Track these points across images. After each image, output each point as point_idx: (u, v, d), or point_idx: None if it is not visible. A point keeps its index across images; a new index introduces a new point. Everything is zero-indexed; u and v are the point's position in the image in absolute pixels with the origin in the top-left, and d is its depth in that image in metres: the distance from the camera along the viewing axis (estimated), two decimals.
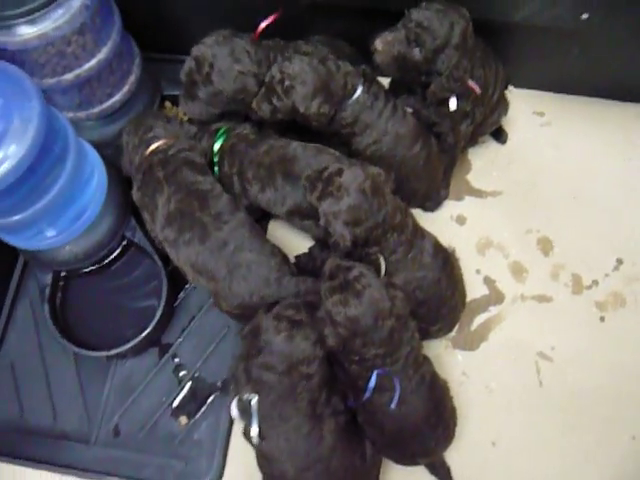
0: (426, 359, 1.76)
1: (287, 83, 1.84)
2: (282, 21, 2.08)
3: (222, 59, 1.92)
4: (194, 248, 1.78)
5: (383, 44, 1.82)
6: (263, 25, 2.05)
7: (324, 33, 2.17)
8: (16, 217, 1.72)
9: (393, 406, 1.64)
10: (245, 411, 1.60)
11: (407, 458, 1.85)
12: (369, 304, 1.56)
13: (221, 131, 2.08)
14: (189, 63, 1.96)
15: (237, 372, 1.63)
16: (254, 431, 1.58)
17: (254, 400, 1.57)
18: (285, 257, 1.88)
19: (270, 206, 1.97)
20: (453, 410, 1.85)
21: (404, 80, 1.95)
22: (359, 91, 1.91)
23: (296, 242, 2.19)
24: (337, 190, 1.66)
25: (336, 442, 1.66)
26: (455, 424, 1.84)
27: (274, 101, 1.88)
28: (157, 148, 1.92)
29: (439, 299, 1.89)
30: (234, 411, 1.62)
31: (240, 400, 1.61)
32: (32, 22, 1.69)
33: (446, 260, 1.90)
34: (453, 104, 1.92)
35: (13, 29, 1.70)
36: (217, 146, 2.04)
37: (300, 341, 1.56)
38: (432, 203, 2.24)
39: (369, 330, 1.57)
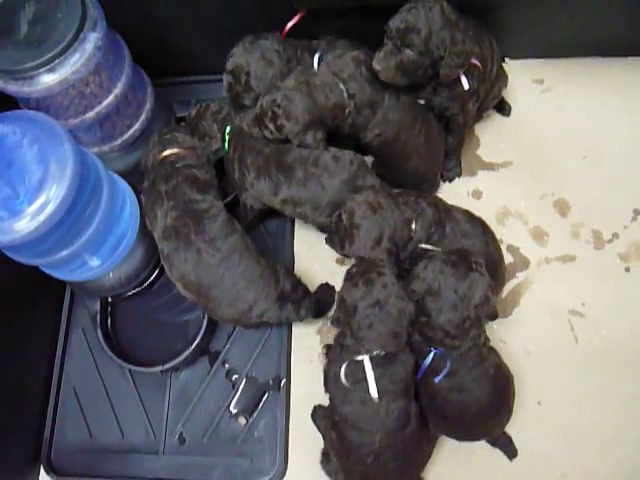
0: (492, 351, 1.85)
1: (279, 122, 1.91)
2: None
3: (255, 64, 2.01)
4: (187, 268, 1.92)
5: (379, 63, 1.89)
6: (290, 25, 2.15)
7: (328, 34, 2.24)
8: (63, 252, 1.83)
9: (436, 380, 1.74)
10: (356, 375, 1.72)
11: (470, 438, 1.95)
12: (476, 281, 1.69)
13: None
14: (226, 78, 2.05)
15: (346, 340, 1.73)
16: (373, 390, 1.69)
17: (366, 359, 1.69)
18: (275, 278, 1.98)
19: (264, 194, 2.06)
20: (514, 393, 1.91)
21: (418, 81, 2.00)
22: (347, 110, 1.97)
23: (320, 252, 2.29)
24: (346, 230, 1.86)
25: (416, 425, 1.78)
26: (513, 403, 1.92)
27: (266, 133, 1.96)
28: (168, 157, 2.04)
29: (492, 262, 1.96)
30: (344, 377, 1.73)
31: (350, 365, 1.72)
32: (52, 70, 1.80)
33: (483, 224, 2.00)
34: (465, 82, 1.99)
35: (35, 79, 1.81)
36: (228, 128, 2.14)
37: (380, 288, 1.68)
38: (428, 185, 2.28)
39: (453, 302, 1.68)
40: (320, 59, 2.09)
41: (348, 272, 1.76)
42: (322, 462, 1.94)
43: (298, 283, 2.07)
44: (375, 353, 1.69)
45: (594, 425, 2.00)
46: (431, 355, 1.74)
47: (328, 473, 1.91)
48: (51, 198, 1.62)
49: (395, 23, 1.86)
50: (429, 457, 1.92)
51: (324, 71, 1.98)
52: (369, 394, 1.70)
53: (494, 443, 1.97)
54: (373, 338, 1.68)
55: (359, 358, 1.70)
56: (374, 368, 1.69)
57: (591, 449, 1.97)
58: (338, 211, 1.90)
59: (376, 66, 1.90)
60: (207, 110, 2.17)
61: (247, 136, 2.06)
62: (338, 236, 1.89)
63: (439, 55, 1.87)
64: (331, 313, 2.21)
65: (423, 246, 1.88)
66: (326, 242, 1.98)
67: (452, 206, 1.98)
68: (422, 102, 2.11)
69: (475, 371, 1.76)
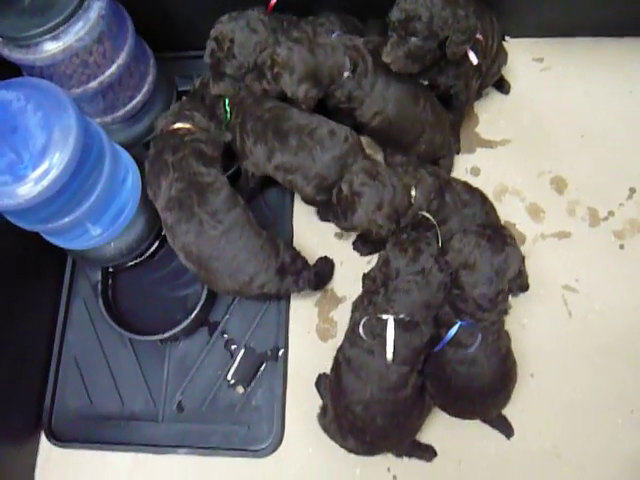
0: (506, 334, 1.90)
1: (276, 70, 1.95)
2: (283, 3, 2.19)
3: (240, 32, 2.03)
4: (189, 239, 1.95)
5: (388, 56, 1.91)
6: (273, 1, 2.16)
7: (327, 9, 2.25)
8: (65, 219, 1.86)
9: (469, 351, 1.78)
10: (373, 332, 1.76)
11: (464, 414, 1.99)
12: (511, 255, 1.74)
13: None
14: (210, 45, 2.07)
15: (378, 298, 1.78)
16: (389, 352, 1.73)
17: (391, 320, 1.73)
18: (275, 251, 2.01)
19: (260, 160, 2.10)
20: (515, 382, 1.95)
21: (428, 64, 2.00)
22: (345, 75, 1.99)
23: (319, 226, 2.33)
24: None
25: (411, 395, 1.81)
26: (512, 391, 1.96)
27: (264, 84, 2.00)
28: (179, 129, 2.06)
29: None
30: (362, 330, 1.78)
31: (371, 321, 1.77)
32: (56, 38, 1.82)
33: (482, 194, 2.05)
34: (473, 58, 2.01)
35: (39, 46, 1.83)
36: (227, 100, 2.16)
37: (428, 257, 1.73)
38: (447, 149, 2.28)
39: (489, 275, 1.73)
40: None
41: (397, 239, 1.80)
42: (319, 416, 1.99)
43: (297, 255, 2.10)
44: (401, 317, 1.74)
45: (586, 397, 2.03)
46: (456, 327, 1.78)
47: (323, 427, 1.96)
48: (55, 164, 1.65)
49: (395, 15, 1.87)
50: (418, 429, 1.96)
51: (332, 37, 2.02)
52: (378, 348, 1.74)
53: (491, 423, 2.00)
54: (405, 303, 1.73)
55: (384, 317, 1.75)
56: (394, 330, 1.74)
57: (583, 421, 2.01)
58: (337, 185, 1.93)
59: (386, 59, 1.92)
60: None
61: (249, 103, 2.09)
62: (340, 208, 1.92)
63: (444, 36, 1.88)
64: (330, 285, 2.26)
65: (424, 214, 1.91)
66: (319, 217, 2.00)
67: (451, 178, 2.00)
68: (425, 83, 2.13)
69: (490, 348, 1.80)
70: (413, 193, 1.91)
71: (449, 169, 2.33)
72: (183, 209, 1.94)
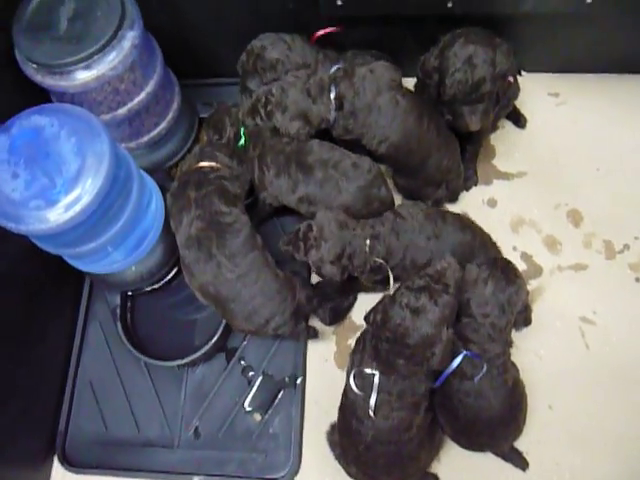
0: (513, 366, 1.91)
1: (269, 108, 2.05)
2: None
3: (270, 51, 2.15)
4: (206, 280, 1.96)
5: (477, 125, 2.04)
6: (320, 33, 2.24)
7: (353, 45, 2.30)
8: (91, 244, 1.86)
9: (475, 380, 1.78)
10: (364, 383, 1.75)
11: (475, 446, 1.99)
12: (522, 287, 1.79)
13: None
14: (242, 56, 2.21)
15: (367, 349, 1.77)
16: (372, 403, 1.73)
17: (377, 377, 1.72)
18: (291, 294, 2.00)
19: (282, 192, 2.13)
20: (525, 413, 1.97)
21: None
22: (332, 115, 2.06)
23: None
24: (315, 241, 1.94)
25: (417, 435, 1.81)
26: (524, 423, 1.97)
27: (257, 120, 2.09)
28: (203, 167, 2.08)
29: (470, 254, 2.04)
30: (352, 382, 1.77)
31: (361, 373, 1.75)
32: (89, 67, 1.85)
33: (461, 220, 2.11)
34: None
35: (73, 74, 1.86)
36: (242, 129, 2.20)
37: (424, 322, 1.65)
38: (454, 174, 2.29)
39: (501, 305, 1.76)
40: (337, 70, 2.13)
41: (410, 283, 1.72)
42: (328, 433, 2.02)
43: (313, 295, 2.10)
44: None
45: (603, 429, 2.04)
46: (461, 356, 1.78)
47: (331, 444, 1.98)
48: (87, 190, 1.65)
49: (460, 87, 1.96)
50: (424, 469, 1.95)
51: (322, 74, 2.09)
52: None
53: (504, 457, 2.00)
54: (390, 364, 1.71)
55: (369, 371, 1.74)
56: (381, 383, 1.72)
57: (600, 452, 2.01)
58: (307, 222, 1.98)
59: (476, 128, 2.04)
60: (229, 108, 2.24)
61: (268, 135, 2.13)
62: (304, 243, 1.96)
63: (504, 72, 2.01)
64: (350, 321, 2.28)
65: (377, 260, 1.98)
66: (282, 244, 2.05)
67: (411, 211, 2.06)
68: (448, 117, 2.15)
69: (496, 381, 1.81)
70: (368, 242, 1.97)
71: (456, 194, 2.37)
72: (202, 250, 1.95)
